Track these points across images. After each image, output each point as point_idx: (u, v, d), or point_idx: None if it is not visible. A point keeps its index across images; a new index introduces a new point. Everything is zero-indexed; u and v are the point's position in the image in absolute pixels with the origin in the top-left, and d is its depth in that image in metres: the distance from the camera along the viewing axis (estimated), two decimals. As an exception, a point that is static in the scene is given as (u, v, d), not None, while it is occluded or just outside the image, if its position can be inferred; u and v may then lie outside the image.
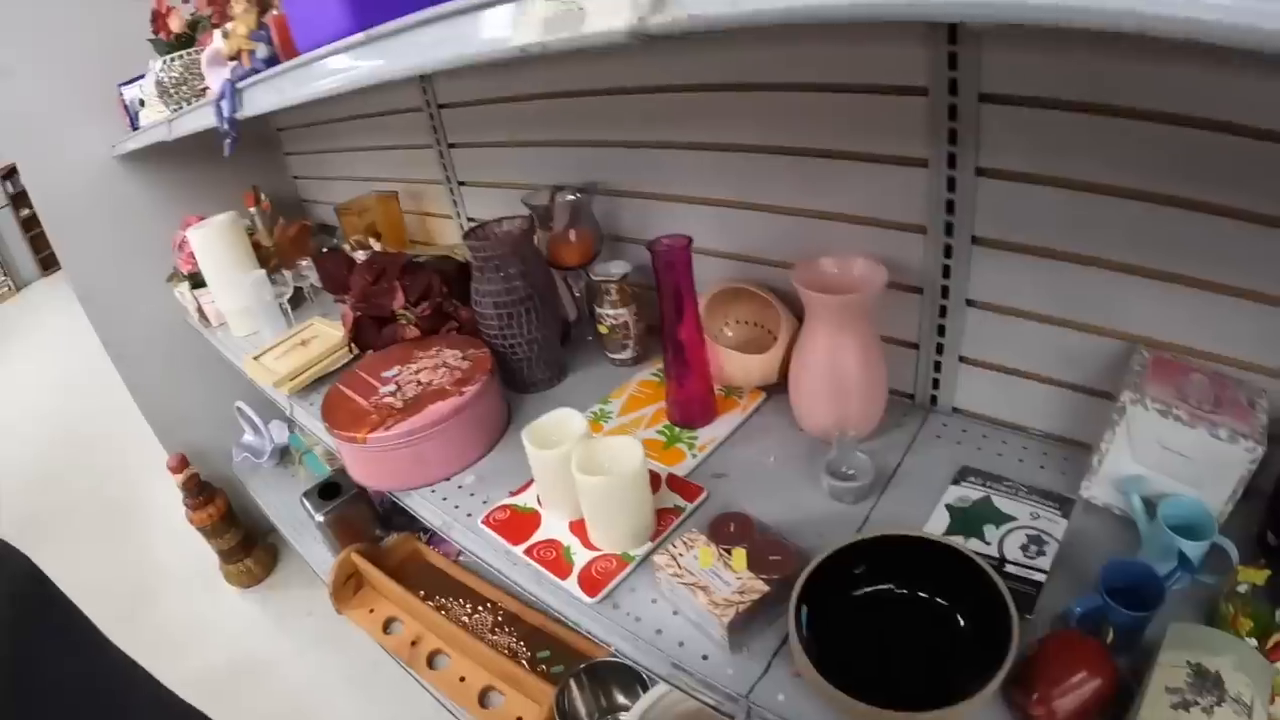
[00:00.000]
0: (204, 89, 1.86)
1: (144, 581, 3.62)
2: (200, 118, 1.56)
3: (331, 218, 2.74)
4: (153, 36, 2.14)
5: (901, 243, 1.26)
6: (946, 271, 1.23)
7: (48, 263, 12.36)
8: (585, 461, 1.11)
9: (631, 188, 1.68)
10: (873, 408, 1.28)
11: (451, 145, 2.16)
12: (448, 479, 1.44)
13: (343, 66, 0.96)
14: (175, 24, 2.06)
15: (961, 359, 1.32)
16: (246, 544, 3.23)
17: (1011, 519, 1.09)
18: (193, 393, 3.14)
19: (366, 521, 2.55)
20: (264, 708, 2.72)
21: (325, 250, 2.19)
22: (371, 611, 2.36)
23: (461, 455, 1.47)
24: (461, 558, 2.45)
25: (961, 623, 0.93)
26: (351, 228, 2.27)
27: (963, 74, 1.06)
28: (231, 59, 1.24)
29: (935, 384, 1.36)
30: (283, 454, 3.13)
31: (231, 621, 3.15)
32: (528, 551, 1.20)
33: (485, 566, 1.26)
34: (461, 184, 2.22)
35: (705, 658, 0.98)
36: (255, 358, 2.08)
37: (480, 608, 2.24)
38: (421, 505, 1.42)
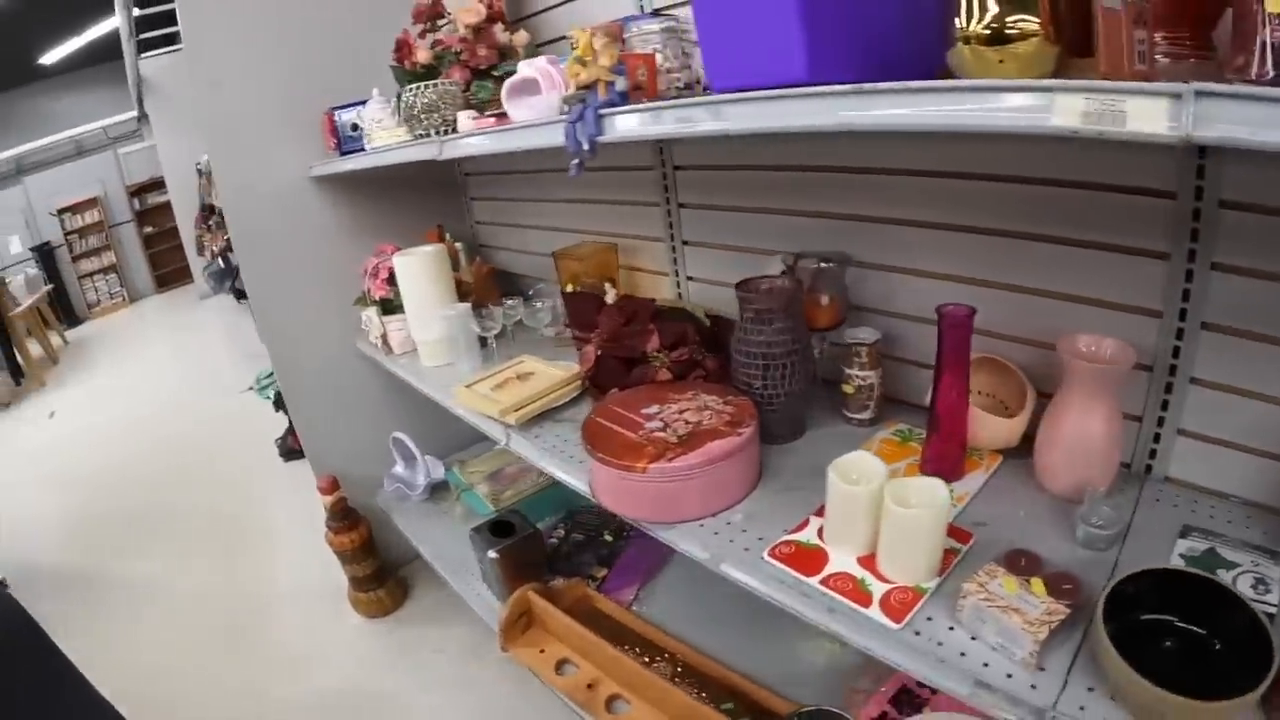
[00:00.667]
0: (453, 118, 1.94)
1: (261, 598, 3.63)
2: (500, 140, 1.61)
3: (513, 264, 2.80)
4: (394, 64, 2.19)
5: (1135, 324, 1.39)
6: (1176, 352, 1.36)
7: (163, 280, 12.83)
8: (899, 497, 1.21)
9: (869, 259, 1.79)
10: (1109, 471, 1.37)
11: (682, 205, 2.19)
12: (714, 515, 1.50)
13: (801, 110, 1.00)
14: (423, 55, 2.12)
15: (1180, 431, 1.42)
16: (381, 574, 3.22)
17: (1237, 565, 1.19)
18: (350, 418, 3.17)
19: (537, 563, 2.52)
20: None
21: (572, 289, 2.21)
22: (542, 652, 2.30)
23: (729, 493, 1.52)
24: (636, 607, 2.40)
25: (1217, 646, 1.03)
26: (568, 273, 2.29)
27: (1208, 183, 1.22)
28: (583, 87, 1.27)
29: (1152, 454, 1.46)
30: (433, 490, 3.12)
31: (354, 649, 3.13)
32: (824, 582, 1.27)
33: (769, 597, 1.30)
34: (685, 243, 2.23)
35: (1009, 676, 1.06)
36: (468, 386, 2.10)
37: (657, 657, 2.18)
38: (684, 539, 1.47)
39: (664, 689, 2.00)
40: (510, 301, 2.37)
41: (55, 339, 10.35)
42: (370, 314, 2.58)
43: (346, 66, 2.68)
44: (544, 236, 2.77)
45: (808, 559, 1.33)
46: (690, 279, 2.27)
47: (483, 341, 2.40)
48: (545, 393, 1.99)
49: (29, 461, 6.29)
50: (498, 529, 2.48)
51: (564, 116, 1.31)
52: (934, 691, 1.71)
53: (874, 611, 1.19)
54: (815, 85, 0.97)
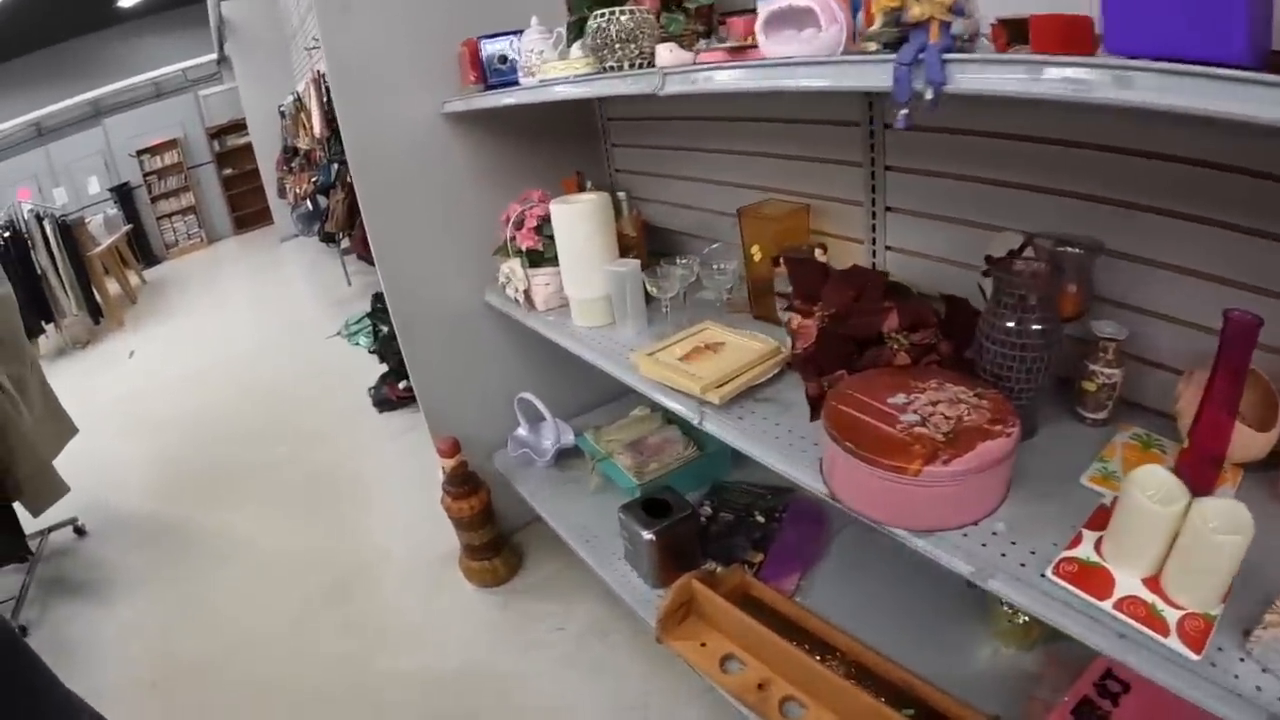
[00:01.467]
0: (650, 50, 1.67)
1: (360, 559, 3.45)
2: (766, 77, 1.32)
3: (659, 218, 2.58)
4: None
5: None
6: None
7: (242, 221, 12.88)
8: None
9: (1114, 247, 1.55)
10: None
11: (889, 168, 1.90)
12: (975, 524, 1.32)
13: (1242, 97, 0.79)
14: None
15: None
16: (497, 542, 3.02)
17: None
18: (472, 376, 2.96)
19: (691, 546, 2.29)
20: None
21: (792, 253, 1.93)
22: (704, 645, 2.07)
23: (987, 501, 1.34)
24: (799, 598, 2.16)
25: None
26: (755, 234, 2.01)
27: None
28: (913, 24, 1.01)
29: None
30: (558, 455, 2.90)
31: (466, 623, 2.93)
32: (1116, 606, 1.13)
33: (1049, 618, 1.16)
34: (889, 209, 1.95)
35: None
36: (650, 355, 1.85)
37: (827, 656, 1.94)
38: (944, 549, 1.28)
39: (843, 691, 1.78)
40: (683, 260, 2.09)
41: (133, 279, 10.39)
42: (513, 266, 2.34)
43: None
44: (703, 190, 2.49)
45: (1093, 579, 1.18)
46: (889, 249, 1.99)
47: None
48: (745, 368, 1.74)
49: (110, 404, 6.20)
50: (651, 508, 2.24)
51: (881, 56, 1.05)
52: (1116, 704, 1.59)
53: (1173, 641, 1.08)
54: (1256, 71, 0.78)
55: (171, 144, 12.59)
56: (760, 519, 2.45)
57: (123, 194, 12.19)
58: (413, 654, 2.83)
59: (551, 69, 1.85)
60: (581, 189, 2.57)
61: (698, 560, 2.30)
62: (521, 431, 2.99)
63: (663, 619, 2.09)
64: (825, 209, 2.07)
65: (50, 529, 4.03)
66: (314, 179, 7.43)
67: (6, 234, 7.43)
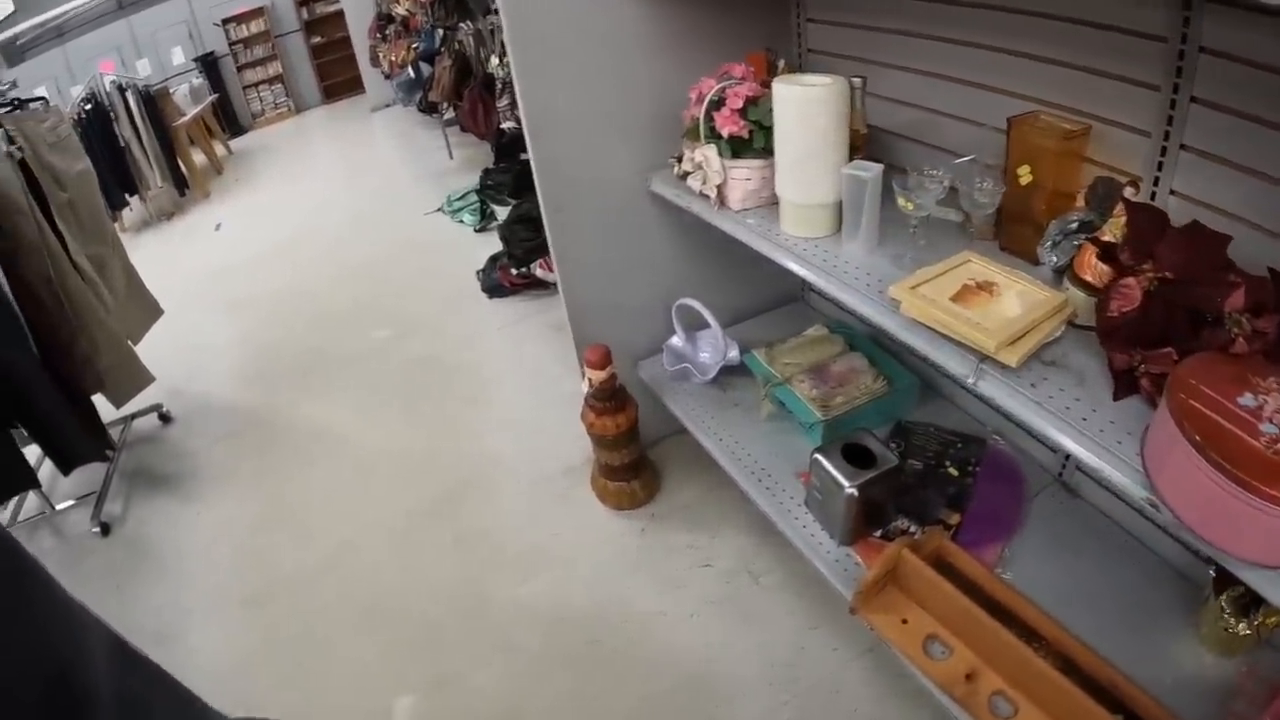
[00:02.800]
0: None
1: (472, 465, 3.19)
2: None
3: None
4: None
5: None
6: None
7: (330, 91, 12.62)
8: None
9: None
10: None
11: (1194, 99, 1.48)
12: None
13: None
14: None
15: None
16: (639, 463, 2.73)
17: None
18: (624, 274, 2.62)
19: (888, 503, 1.98)
20: (657, 677, 2.23)
21: (1117, 190, 1.53)
22: (905, 623, 1.77)
23: None
24: (1001, 570, 1.85)
25: None
26: (1022, 152, 1.61)
27: None
28: None
29: None
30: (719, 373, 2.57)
31: (599, 549, 2.66)
32: None
33: None
34: (1184, 147, 1.53)
35: None
36: (912, 289, 1.48)
37: (1034, 644, 1.62)
38: None
39: (1059, 690, 1.51)
40: (934, 171, 1.66)
41: (220, 149, 10.20)
42: (706, 154, 1.97)
43: None
44: (933, 88, 2.04)
45: None
46: (1175, 194, 1.57)
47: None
48: (1036, 323, 1.38)
49: (196, 279, 5.96)
50: (852, 455, 1.92)
51: None
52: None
53: None
54: None
55: (258, 12, 12.25)
56: (953, 471, 2.13)
57: (208, 64, 11.92)
58: (533, 582, 2.57)
59: None
60: (772, 69, 2.18)
61: (890, 516, 2.00)
62: (677, 341, 2.66)
63: (864, 590, 1.79)
64: (1098, 133, 1.66)
65: (134, 416, 3.88)
66: (415, 46, 7.05)
67: (88, 107, 7.19)
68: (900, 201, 1.62)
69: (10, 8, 10.50)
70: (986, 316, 1.39)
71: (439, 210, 6.01)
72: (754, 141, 1.92)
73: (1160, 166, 1.57)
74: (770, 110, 1.84)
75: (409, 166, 7.74)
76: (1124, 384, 1.30)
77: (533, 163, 2.33)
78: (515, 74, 2.18)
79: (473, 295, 4.59)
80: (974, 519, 1.99)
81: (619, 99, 2.31)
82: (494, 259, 4.54)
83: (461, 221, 5.65)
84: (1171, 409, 1.08)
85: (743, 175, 1.95)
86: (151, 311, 3.84)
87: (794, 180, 1.80)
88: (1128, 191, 1.46)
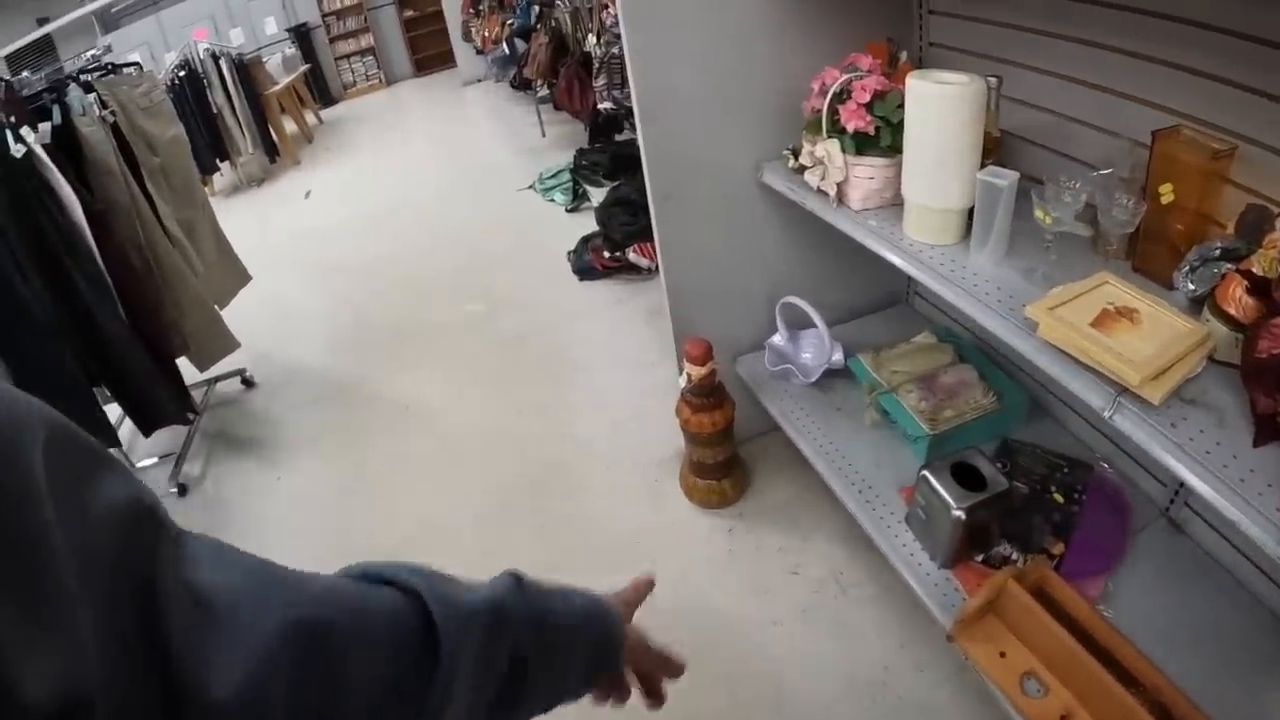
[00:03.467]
0: None
1: (558, 450, 3.15)
2: None
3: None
4: None
5: None
6: None
7: (422, 64, 12.73)
8: None
9: None
10: None
11: None
12: None
13: None
14: None
15: None
16: (731, 462, 2.66)
17: None
18: (732, 266, 2.53)
19: (992, 528, 1.89)
20: (738, 685, 2.17)
21: (1270, 219, 1.41)
22: (1003, 655, 1.69)
23: None
24: (1103, 606, 1.75)
25: None
26: (1165, 169, 1.49)
27: None
28: None
29: None
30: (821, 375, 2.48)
31: (685, 548, 2.60)
32: None
33: None
34: None
35: None
36: (1051, 310, 1.39)
37: (1130, 688, 1.52)
38: None
39: None
40: (1072, 184, 1.55)
41: (310, 118, 10.37)
42: (829, 149, 1.88)
43: None
44: (1067, 93, 1.90)
45: None
46: None
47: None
48: (1179, 356, 1.28)
49: (285, 245, 6.05)
50: (962, 475, 1.83)
51: None
52: None
53: None
54: None
55: None
56: (1059, 497, 2.01)
57: (300, 34, 12.07)
58: (616, 577, 2.49)
59: None
60: (893, 60, 2.08)
61: (994, 540, 1.90)
62: (779, 340, 2.58)
63: (965, 618, 1.70)
64: (1244, 154, 1.52)
65: (217, 379, 3.92)
66: (510, 22, 7.04)
67: (182, 73, 7.34)
68: (1037, 213, 1.52)
69: None
70: (1128, 346, 1.29)
71: (530, 188, 5.97)
72: (880, 139, 1.83)
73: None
74: (898, 106, 1.76)
75: (500, 142, 7.72)
76: (1266, 429, 1.19)
77: (642, 147, 2.26)
78: (628, 54, 2.11)
79: (564, 275, 4.54)
80: (1078, 549, 1.88)
81: (735, 84, 2.23)
82: (585, 240, 4.50)
83: (553, 200, 5.60)
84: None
85: (866, 174, 1.86)
86: (240, 276, 3.90)
87: (924, 182, 1.71)
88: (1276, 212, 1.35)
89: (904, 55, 2.10)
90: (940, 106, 1.60)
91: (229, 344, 3.45)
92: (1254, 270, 1.27)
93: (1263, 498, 1.10)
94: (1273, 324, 1.20)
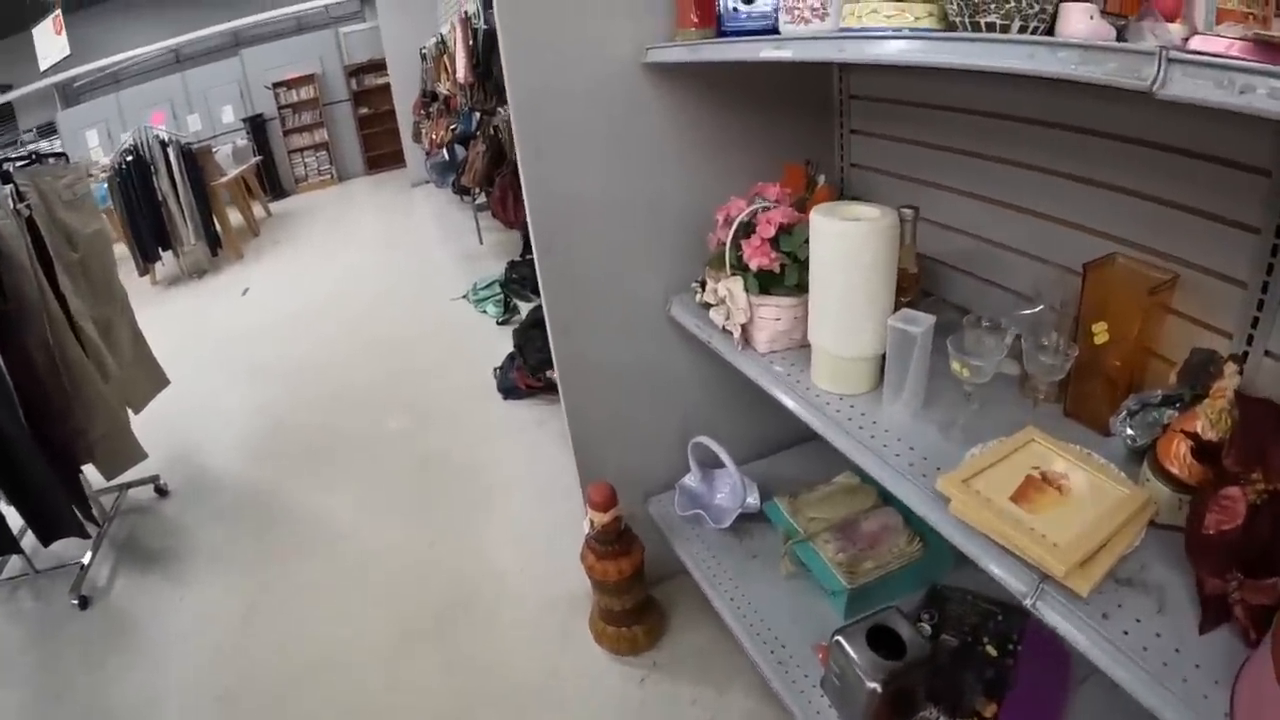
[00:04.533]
0: (1051, 7, 1.07)
1: (475, 588, 2.95)
2: None
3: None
4: None
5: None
6: None
7: (374, 162, 12.87)
8: None
9: None
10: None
11: None
12: None
13: None
14: None
15: None
16: (643, 609, 2.47)
17: None
18: (640, 403, 2.38)
19: (915, 693, 1.71)
20: None
21: (1216, 365, 1.27)
22: None
23: None
24: None
25: None
26: (1097, 303, 1.37)
27: None
28: None
29: None
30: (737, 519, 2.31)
31: (594, 696, 2.39)
32: None
33: None
34: None
35: None
36: (964, 482, 1.24)
37: None
38: None
39: None
40: (996, 326, 1.41)
41: (259, 211, 10.35)
42: (731, 287, 1.74)
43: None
44: (994, 216, 1.81)
45: None
46: (1270, 355, 1.32)
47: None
48: (1114, 532, 1.13)
49: (216, 342, 5.95)
50: (878, 639, 1.67)
51: None
52: None
53: None
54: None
55: (309, 79, 12.60)
56: (992, 650, 1.85)
57: (256, 125, 12.27)
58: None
59: (869, 12, 1.23)
60: (810, 184, 1.98)
61: (918, 704, 1.72)
62: (691, 482, 2.42)
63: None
64: (1184, 279, 1.42)
65: (130, 485, 3.76)
66: (453, 127, 7.07)
67: (130, 158, 7.33)
68: (954, 367, 1.38)
69: (66, 51, 10.76)
70: (1054, 524, 1.14)
71: (464, 297, 5.88)
72: (786, 277, 1.70)
73: (1256, 323, 1.32)
74: (805, 241, 1.64)
75: (441, 246, 7.69)
76: (1213, 612, 1.04)
77: (540, 279, 2.12)
78: (524, 172, 1.99)
79: (490, 392, 4.40)
80: (1013, 708, 1.72)
81: (642, 211, 2.12)
82: (511, 358, 4.35)
83: (485, 312, 5.50)
84: (1277, 659, 0.84)
85: (771, 314, 1.72)
86: (157, 380, 3.75)
87: (830, 329, 1.57)
88: (1229, 370, 1.21)
89: (822, 179, 1.99)
90: (846, 246, 1.47)
91: (136, 454, 3.29)
92: (1199, 429, 1.14)
93: (1209, 700, 0.95)
94: (1223, 496, 1.06)
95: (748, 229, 1.74)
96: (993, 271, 1.85)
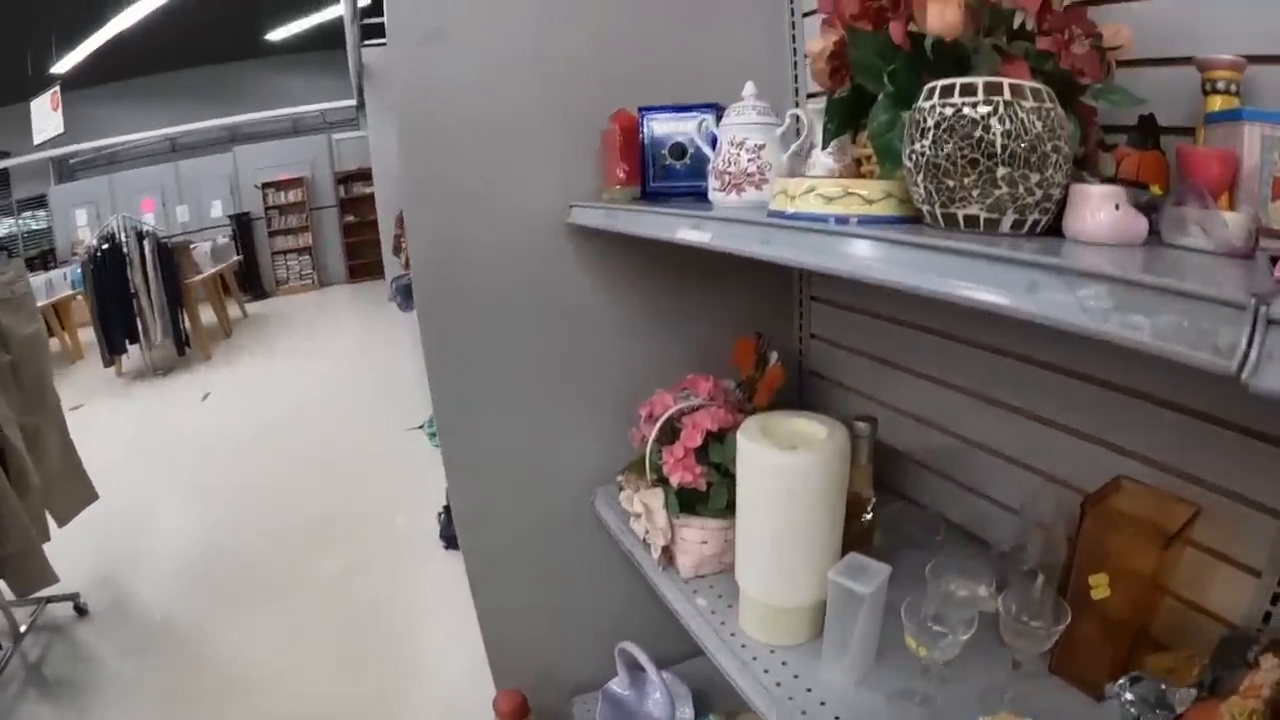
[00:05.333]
0: (1060, 183, 0.84)
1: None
2: None
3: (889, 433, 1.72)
4: (854, 28, 1.09)
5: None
6: None
7: (356, 271, 12.84)
8: None
9: None
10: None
11: None
12: None
13: None
14: (943, 17, 0.98)
15: None
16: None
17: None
18: (553, 601, 2.10)
19: None
20: None
21: (1250, 647, 1.03)
22: None
23: None
24: None
25: None
26: (1094, 550, 1.11)
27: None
28: None
29: None
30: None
31: None
32: None
33: None
34: None
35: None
36: None
37: None
38: None
39: None
40: (964, 585, 1.18)
41: (235, 310, 10.22)
42: (650, 502, 1.49)
43: (659, 36, 1.77)
44: (973, 410, 1.57)
45: None
46: None
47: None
48: None
49: (165, 450, 5.71)
50: None
51: None
52: None
53: None
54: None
55: (298, 182, 12.67)
56: None
57: (242, 223, 12.30)
58: None
59: (804, 192, 0.99)
60: (762, 360, 1.76)
61: None
62: (619, 687, 2.14)
63: None
64: (1211, 509, 1.15)
65: (50, 600, 3.52)
66: None
67: (105, 246, 7.29)
68: (909, 642, 1.13)
69: (60, 128, 10.78)
70: None
71: (420, 428, 5.61)
72: (713, 498, 1.45)
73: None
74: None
75: (406, 368, 7.32)
76: None
77: (444, 463, 1.89)
78: (425, 348, 1.80)
79: (432, 540, 4.11)
80: None
81: (569, 384, 1.89)
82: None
83: (438, 446, 5.23)
84: None
85: (696, 538, 1.47)
86: (85, 495, 3.54)
87: (758, 572, 1.32)
88: (1268, 664, 0.95)
89: (774, 357, 1.75)
90: (781, 485, 1.23)
91: (48, 576, 3.06)
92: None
93: None
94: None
95: (670, 434, 1.52)
96: (969, 475, 1.61)
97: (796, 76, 1.90)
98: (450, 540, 3.93)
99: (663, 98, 1.60)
